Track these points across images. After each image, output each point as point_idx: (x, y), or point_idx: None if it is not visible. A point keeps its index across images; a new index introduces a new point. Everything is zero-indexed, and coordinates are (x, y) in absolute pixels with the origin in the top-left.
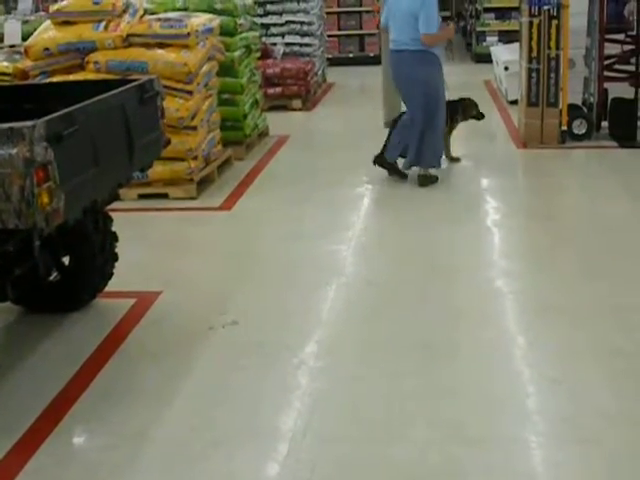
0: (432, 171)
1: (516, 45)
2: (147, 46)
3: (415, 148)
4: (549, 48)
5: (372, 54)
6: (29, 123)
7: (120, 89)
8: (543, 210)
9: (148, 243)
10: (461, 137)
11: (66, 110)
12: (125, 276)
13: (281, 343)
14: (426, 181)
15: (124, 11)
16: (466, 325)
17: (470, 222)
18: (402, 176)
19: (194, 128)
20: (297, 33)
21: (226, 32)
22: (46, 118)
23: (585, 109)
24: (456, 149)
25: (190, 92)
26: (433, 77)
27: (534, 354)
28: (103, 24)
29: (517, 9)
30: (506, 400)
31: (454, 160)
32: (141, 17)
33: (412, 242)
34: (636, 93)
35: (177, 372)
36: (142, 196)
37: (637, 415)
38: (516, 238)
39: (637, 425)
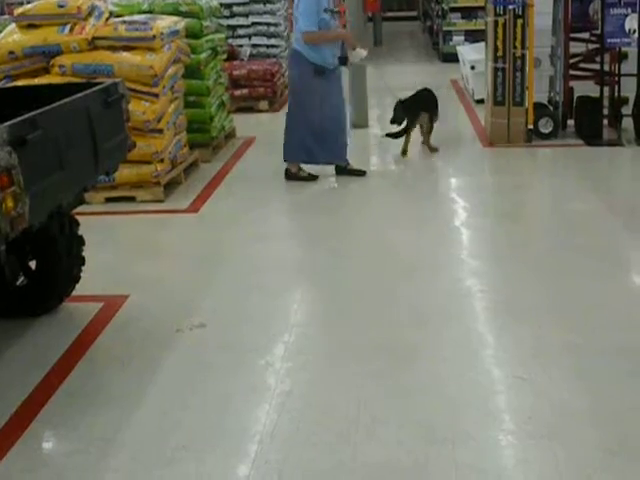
0: (297, 170)
1: (482, 44)
2: (113, 49)
3: (284, 141)
4: (515, 47)
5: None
6: None
7: (84, 92)
8: (510, 209)
9: (115, 246)
10: None
11: (30, 114)
12: (92, 280)
13: (248, 345)
14: (288, 176)
15: (89, 14)
16: (432, 325)
17: (436, 221)
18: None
19: (160, 131)
20: (264, 34)
21: (192, 34)
22: (9, 122)
23: (551, 108)
24: (423, 146)
25: (156, 95)
26: (300, 78)
27: (500, 353)
28: (68, 27)
29: (483, 9)
30: (473, 399)
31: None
32: (106, 20)
33: (378, 242)
34: (601, 91)
35: (145, 375)
36: (109, 199)
37: (602, 412)
38: (482, 237)
39: (602, 421)
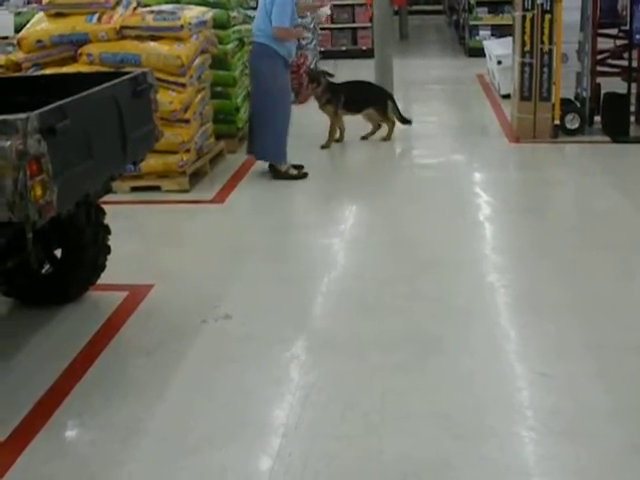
0: (286, 167)
1: (509, 39)
2: (140, 38)
3: (259, 140)
4: (542, 42)
5: (364, 47)
6: (22, 115)
7: (113, 82)
8: (535, 205)
9: (140, 236)
10: (453, 131)
11: (59, 103)
12: (117, 269)
13: (273, 337)
14: (278, 175)
15: (117, 3)
16: (456, 319)
17: (462, 216)
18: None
19: (187, 121)
20: None
21: (219, 25)
22: (39, 111)
23: (578, 104)
24: (449, 143)
25: (183, 85)
26: (272, 72)
27: (524, 349)
28: (96, 16)
29: (510, 3)
30: (497, 394)
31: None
32: (134, 9)
33: (403, 236)
34: (629, 88)
35: (169, 366)
36: (135, 189)
37: (625, 409)
38: (508, 233)
39: (625, 419)
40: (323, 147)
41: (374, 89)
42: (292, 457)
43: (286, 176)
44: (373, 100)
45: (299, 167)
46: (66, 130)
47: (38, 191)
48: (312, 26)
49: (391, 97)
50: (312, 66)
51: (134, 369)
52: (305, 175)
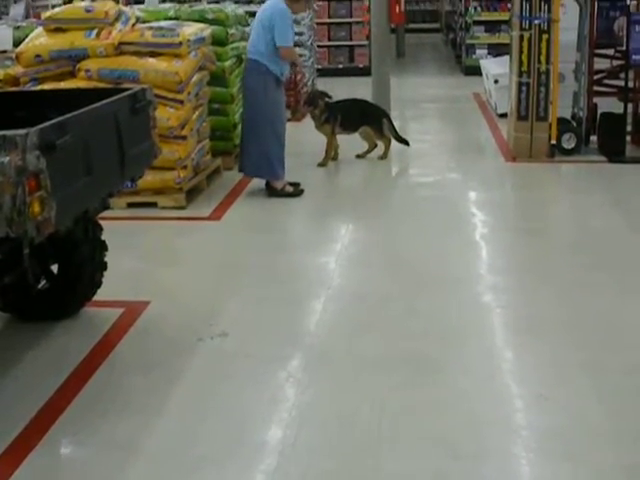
0: (282, 185)
1: (506, 58)
2: (139, 54)
3: (248, 156)
4: (539, 62)
5: (361, 65)
6: (22, 131)
7: (113, 98)
8: (532, 224)
9: (137, 252)
10: (450, 149)
11: (59, 119)
12: (114, 285)
13: (270, 355)
14: (273, 192)
15: (116, 19)
16: (453, 339)
17: (458, 235)
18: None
19: (184, 137)
20: None
21: (217, 42)
22: (39, 126)
23: (574, 123)
24: (445, 161)
25: (181, 101)
26: (264, 89)
27: (522, 369)
28: (95, 32)
29: (507, 22)
30: (495, 415)
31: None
32: (133, 25)
33: (400, 255)
34: (625, 108)
35: (166, 383)
36: (131, 205)
37: (625, 431)
38: (504, 252)
39: (623, 441)
40: (320, 165)
41: (370, 107)
42: (289, 476)
43: (282, 194)
44: (369, 118)
45: (296, 184)
46: (65, 146)
47: (36, 207)
48: (309, 43)
49: (387, 115)
50: (309, 85)
51: (130, 386)
52: (301, 192)
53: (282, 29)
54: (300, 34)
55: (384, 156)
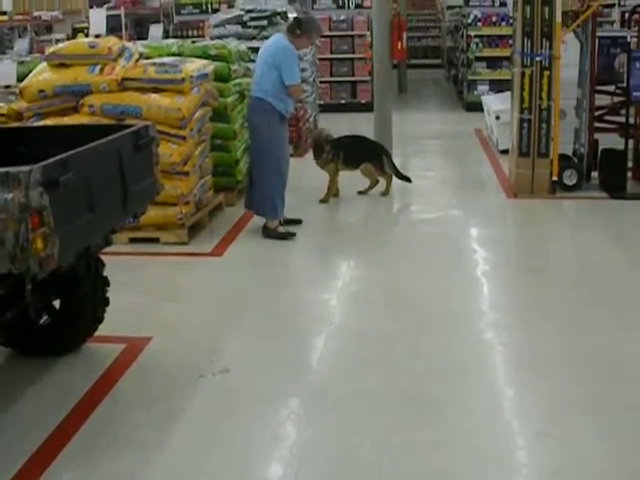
0: (275, 225)
1: (507, 94)
2: (142, 90)
3: (254, 194)
4: (540, 99)
5: (364, 101)
6: (25, 168)
7: (116, 135)
8: (533, 261)
9: (139, 288)
10: (451, 185)
11: (62, 156)
12: (115, 321)
13: (272, 392)
14: (266, 233)
15: (119, 55)
16: (455, 377)
17: (460, 272)
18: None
19: (186, 173)
20: None
21: (220, 78)
22: (42, 163)
23: (576, 159)
24: (446, 198)
25: (183, 137)
26: (268, 127)
27: (524, 406)
28: (98, 67)
29: (508, 58)
30: (496, 452)
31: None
32: (136, 61)
33: (401, 291)
34: (626, 144)
35: (167, 419)
36: (133, 240)
37: (627, 469)
38: (505, 289)
39: (626, 479)
40: (322, 201)
41: (371, 144)
42: None
43: (273, 235)
44: (370, 155)
45: (297, 221)
46: (68, 183)
47: (39, 244)
48: (312, 79)
49: (386, 152)
50: (311, 122)
51: (132, 422)
52: (293, 235)
53: (289, 67)
54: (303, 70)
55: (386, 192)
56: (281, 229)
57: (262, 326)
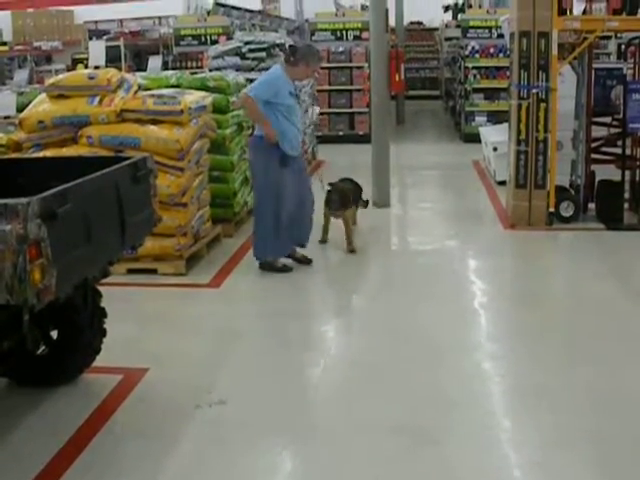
0: (283, 261)
1: (505, 126)
2: (140, 122)
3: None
4: (537, 131)
5: (362, 132)
6: (24, 200)
7: (114, 167)
8: (530, 292)
9: (136, 319)
10: (449, 217)
11: (60, 188)
12: (112, 352)
13: (267, 424)
14: (263, 265)
15: (118, 86)
16: (451, 408)
17: (457, 303)
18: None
19: (184, 205)
20: None
21: (218, 109)
22: (41, 195)
23: (572, 191)
24: (444, 229)
25: (181, 169)
26: (260, 164)
27: (519, 438)
28: (97, 99)
29: (506, 90)
30: None
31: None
32: (135, 93)
33: (398, 324)
34: (622, 175)
35: (163, 451)
36: (131, 271)
37: None
38: (503, 321)
39: None
40: (351, 252)
41: (357, 185)
42: None
43: (269, 267)
44: (358, 196)
45: (307, 260)
46: (66, 215)
47: (37, 275)
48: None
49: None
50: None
51: (128, 453)
52: (289, 270)
53: (259, 82)
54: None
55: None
56: (277, 262)
57: (259, 358)
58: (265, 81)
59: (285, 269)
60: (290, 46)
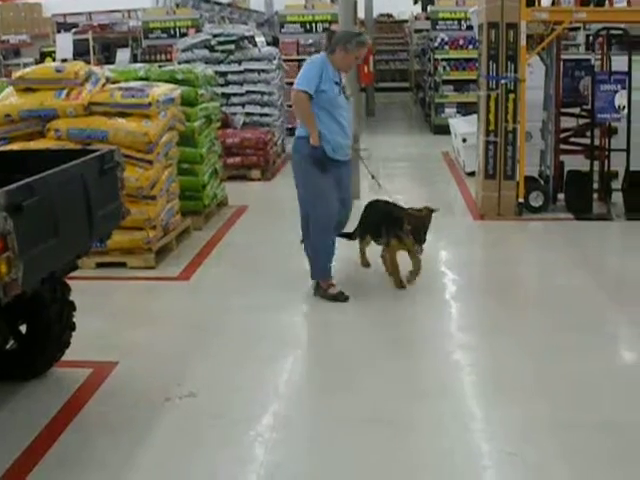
0: (325, 285)
1: (474, 117)
2: (108, 115)
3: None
4: (506, 121)
5: None
6: None
7: (80, 160)
8: (500, 283)
9: (105, 312)
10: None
11: (26, 180)
12: (82, 345)
13: (238, 415)
14: (318, 292)
15: (86, 80)
16: (422, 399)
17: (427, 294)
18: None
19: (153, 198)
20: (257, 103)
21: (187, 102)
22: (6, 188)
23: (542, 181)
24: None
25: (150, 162)
26: (300, 172)
27: (490, 428)
28: (65, 92)
29: (475, 81)
30: (465, 473)
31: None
32: (103, 86)
33: (370, 315)
34: (591, 165)
35: (133, 444)
36: (100, 265)
37: None
38: (473, 311)
39: None
40: (409, 282)
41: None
42: None
43: (325, 295)
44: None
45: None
46: (33, 208)
47: (3, 268)
48: (279, 103)
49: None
50: (278, 147)
51: (98, 447)
52: (346, 298)
53: (301, 73)
54: (270, 94)
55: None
56: (333, 290)
57: (228, 350)
58: (307, 68)
59: (341, 297)
60: (327, 31)
